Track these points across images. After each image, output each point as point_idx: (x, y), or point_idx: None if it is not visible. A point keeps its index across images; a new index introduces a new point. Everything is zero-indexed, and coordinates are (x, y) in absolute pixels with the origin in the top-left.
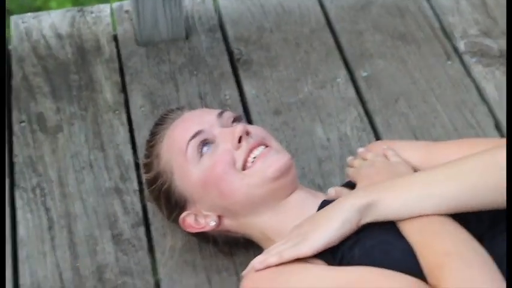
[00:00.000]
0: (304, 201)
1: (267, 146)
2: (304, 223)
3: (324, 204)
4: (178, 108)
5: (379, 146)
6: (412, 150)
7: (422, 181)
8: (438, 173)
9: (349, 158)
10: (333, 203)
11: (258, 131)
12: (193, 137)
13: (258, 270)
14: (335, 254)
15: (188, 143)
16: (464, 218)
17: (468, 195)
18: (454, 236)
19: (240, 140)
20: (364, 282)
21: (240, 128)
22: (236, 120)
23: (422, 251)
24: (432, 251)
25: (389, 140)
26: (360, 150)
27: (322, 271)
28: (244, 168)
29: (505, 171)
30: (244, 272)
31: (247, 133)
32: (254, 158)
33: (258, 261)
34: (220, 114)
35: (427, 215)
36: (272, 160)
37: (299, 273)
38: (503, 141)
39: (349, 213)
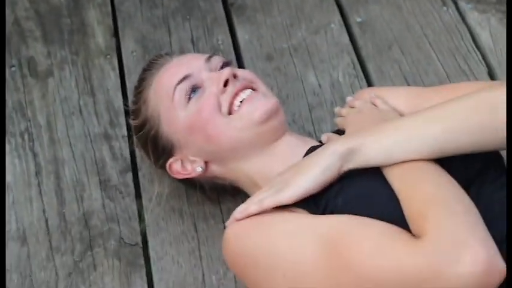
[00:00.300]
0: (293, 147)
1: (254, 90)
2: (287, 170)
3: (311, 150)
4: (167, 54)
5: (367, 93)
6: (400, 96)
7: (404, 125)
8: (420, 117)
9: (337, 108)
10: (317, 150)
11: (245, 74)
12: (181, 81)
13: (238, 220)
14: (319, 203)
15: (175, 88)
16: (451, 165)
17: (450, 138)
18: (437, 183)
19: (226, 84)
20: (344, 230)
21: (226, 71)
22: (225, 65)
23: (404, 199)
24: (415, 199)
25: (378, 87)
26: (348, 98)
27: (303, 220)
28: (230, 112)
29: (486, 111)
30: (227, 222)
31: (235, 76)
32: (241, 101)
33: (238, 210)
34: (208, 59)
35: (411, 161)
36: (259, 103)
37: (279, 223)
38: (490, 83)
39: (330, 160)
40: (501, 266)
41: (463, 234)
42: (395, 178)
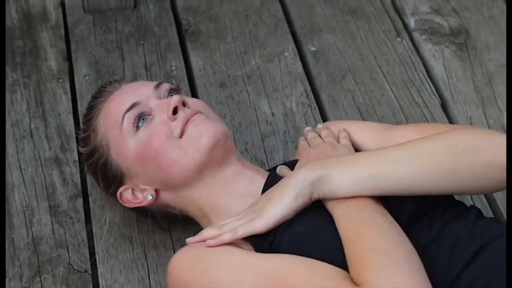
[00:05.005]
0: (240, 177)
1: None
2: (259, 199)
3: (271, 177)
4: (116, 81)
5: (337, 126)
6: (367, 132)
7: (376, 160)
8: (393, 153)
9: (307, 128)
10: (287, 177)
11: (195, 102)
12: (129, 109)
13: (210, 246)
14: (267, 238)
15: (124, 116)
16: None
17: (422, 178)
18: (381, 229)
19: (175, 111)
20: (289, 272)
21: (175, 98)
22: (174, 91)
23: (347, 243)
24: (357, 245)
25: (346, 121)
26: (319, 126)
27: (247, 257)
28: (182, 135)
29: (460, 156)
30: (190, 240)
31: (184, 104)
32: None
33: (210, 235)
34: (157, 86)
35: (360, 201)
36: (204, 126)
37: (224, 256)
38: (458, 126)
39: (301, 186)
40: None
41: (401, 285)
42: (342, 219)
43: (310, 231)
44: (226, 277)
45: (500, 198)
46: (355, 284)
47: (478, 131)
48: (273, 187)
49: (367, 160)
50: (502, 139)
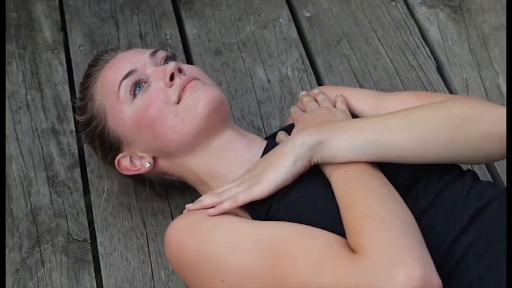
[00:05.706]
0: (234, 141)
1: None
2: (256, 164)
3: (270, 144)
4: (112, 49)
5: (332, 91)
6: (363, 98)
7: (375, 127)
8: (391, 121)
9: (302, 93)
10: (284, 141)
11: (191, 68)
12: (126, 76)
13: (212, 215)
14: (264, 205)
15: (120, 83)
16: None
17: (420, 146)
18: (377, 195)
19: (172, 78)
20: (288, 239)
21: (171, 65)
22: (170, 58)
23: (344, 210)
24: (354, 211)
25: (341, 87)
26: (315, 90)
27: (244, 226)
28: (179, 101)
29: (458, 126)
30: (190, 207)
31: (180, 70)
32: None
33: (209, 202)
34: (153, 54)
35: (358, 166)
36: (201, 93)
37: (221, 225)
38: (455, 96)
39: (300, 151)
40: (436, 282)
41: (397, 252)
42: (339, 185)
43: (306, 198)
44: (223, 247)
45: (498, 162)
46: (352, 250)
47: (475, 102)
48: (270, 152)
49: (365, 126)
50: (498, 110)
